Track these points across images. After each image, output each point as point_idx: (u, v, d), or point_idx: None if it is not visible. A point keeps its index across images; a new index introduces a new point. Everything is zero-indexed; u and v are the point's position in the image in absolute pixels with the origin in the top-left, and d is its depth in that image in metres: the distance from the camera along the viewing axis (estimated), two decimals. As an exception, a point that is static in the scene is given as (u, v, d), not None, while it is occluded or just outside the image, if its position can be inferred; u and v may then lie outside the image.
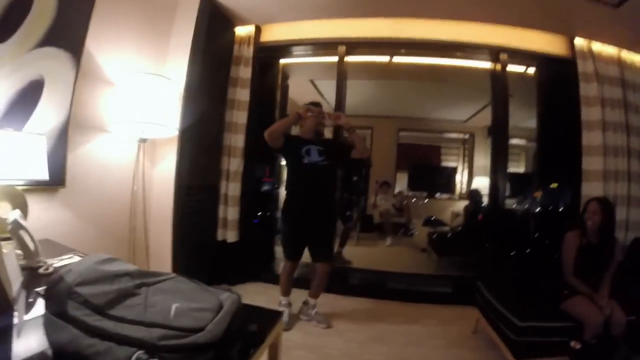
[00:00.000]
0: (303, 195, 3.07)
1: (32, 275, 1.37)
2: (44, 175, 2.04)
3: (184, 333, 0.91)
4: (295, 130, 3.56)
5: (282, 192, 5.55)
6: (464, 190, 8.66)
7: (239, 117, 4.03)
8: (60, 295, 0.90)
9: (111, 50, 2.91)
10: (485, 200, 5.45)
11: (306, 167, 3.03)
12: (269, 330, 1.32)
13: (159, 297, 1.02)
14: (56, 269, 1.07)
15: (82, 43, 2.61)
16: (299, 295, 3.31)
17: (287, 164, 3.22)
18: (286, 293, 3.25)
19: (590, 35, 3.83)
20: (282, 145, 3.02)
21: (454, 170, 8.95)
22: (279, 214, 5.33)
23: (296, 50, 4.42)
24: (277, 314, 1.48)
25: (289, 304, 3.25)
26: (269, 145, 3.00)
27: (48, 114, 2.41)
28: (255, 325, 1.21)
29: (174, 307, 0.97)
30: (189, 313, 0.97)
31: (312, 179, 3.05)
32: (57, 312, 0.89)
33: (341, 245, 5.21)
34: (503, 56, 4.07)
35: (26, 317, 1.07)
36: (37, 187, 2.30)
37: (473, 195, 6.08)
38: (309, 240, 3.13)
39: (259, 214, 4.76)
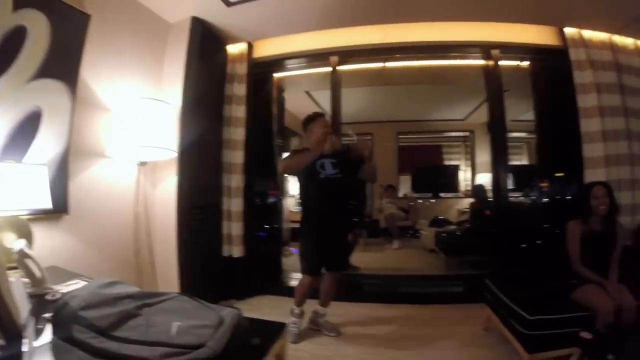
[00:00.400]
0: (322, 210, 3.01)
1: (40, 302, 1.40)
2: (47, 203, 2.08)
3: (186, 350, 0.95)
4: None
5: (287, 204, 5.61)
6: (468, 188, 8.64)
7: (237, 133, 4.07)
8: (66, 320, 0.93)
9: (106, 77, 2.97)
10: (490, 195, 5.42)
11: (322, 181, 2.98)
12: (272, 343, 1.34)
13: (160, 316, 1.05)
14: (62, 295, 1.10)
15: (77, 72, 2.67)
16: (307, 306, 3.24)
17: (302, 180, 3.15)
18: (300, 303, 3.13)
19: (580, 24, 3.84)
20: (297, 171, 3.08)
21: (456, 169, 8.93)
22: (285, 226, 5.41)
23: (289, 63, 4.46)
24: (281, 326, 1.49)
25: (302, 313, 3.13)
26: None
27: (48, 143, 2.46)
28: (258, 338, 1.24)
29: (175, 325, 1.01)
30: (190, 330, 1.01)
31: (329, 192, 3.00)
32: (63, 336, 0.93)
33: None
34: (495, 52, 4.10)
35: (36, 344, 1.09)
36: (41, 215, 2.33)
37: (477, 191, 6.06)
38: (329, 253, 3.04)
39: (266, 227, 4.78)
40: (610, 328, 2.04)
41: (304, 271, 3.06)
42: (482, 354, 2.78)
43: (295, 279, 4.31)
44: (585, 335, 1.98)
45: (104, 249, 2.90)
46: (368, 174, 3.09)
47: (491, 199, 4.69)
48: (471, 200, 6.60)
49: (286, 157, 3.05)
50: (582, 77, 3.76)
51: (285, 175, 3.15)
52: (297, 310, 3.11)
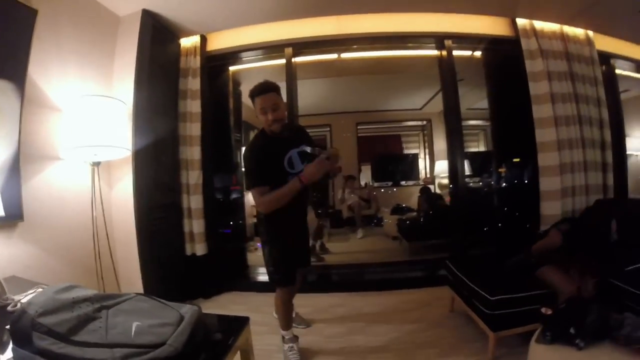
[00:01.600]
0: (290, 213, 2.49)
1: (1, 314, 1.37)
2: (-1, 211, 2.01)
3: (146, 350, 0.95)
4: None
5: (249, 199, 5.58)
6: (428, 175, 8.83)
7: (193, 129, 4.01)
8: (25, 329, 0.92)
9: (55, 75, 2.86)
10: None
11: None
12: (236, 337, 1.35)
13: (119, 318, 1.05)
14: (23, 304, 1.08)
15: (25, 70, 2.56)
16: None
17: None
18: (289, 325, 2.72)
19: (531, 14, 4.00)
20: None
21: (415, 157, 9.09)
22: (248, 221, 5.39)
23: (244, 56, 4.43)
24: (244, 320, 1.50)
25: (295, 338, 2.73)
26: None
27: (-4, 147, 2.36)
28: (219, 334, 1.25)
29: (134, 325, 1.01)
30: (149, 330, 1.01)
31: (298, 193, 2.38)
32: (24, 345, 0.91)
33: (320, 238, 5.46)
34: (448, 42, 4.20)
35: (3, 357, 1.08)
36: (-5, 224, 2.25)
37: (424, 192, 6.38)
38: (297, 254, 2.68)
39: (230, 223, 4.76)
40: (569, 302, 2.14)
41: (278, 284, 2.60)
42: (449, 334, 2.89)
43: (261, 273, 4.33)
44: (546, 310, 2.07)
45: (63, 255, 2.81)
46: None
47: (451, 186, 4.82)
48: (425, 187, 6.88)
49: (262, 194, 2.30)
50: (533, 65, 3.92)
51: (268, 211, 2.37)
52: (288, 336, 2.70)
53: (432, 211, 5.87)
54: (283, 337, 2.72)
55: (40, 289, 1.66)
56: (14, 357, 0.94)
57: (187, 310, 1.14)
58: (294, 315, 3.01)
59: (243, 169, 2.61)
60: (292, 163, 2.43)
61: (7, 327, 1.17)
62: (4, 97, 2.42)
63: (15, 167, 2.46)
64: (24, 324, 0.93)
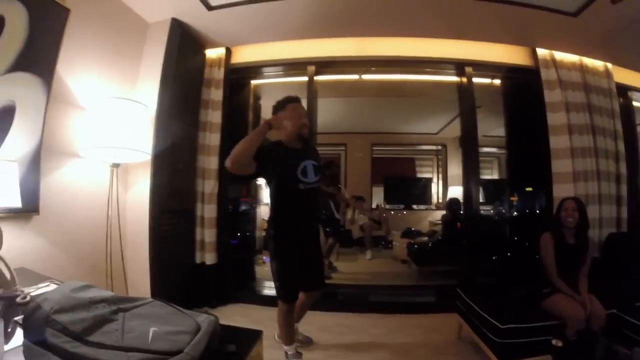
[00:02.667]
0: (299, 227, 2.52)
1: (9, 305, 1.36)
2: (16, 202, 2.03)
3: (162, 357, 0.93)
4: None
5: (260, 212, 5.59)
6: (440, 200, 8.78)
7: (212, 139, 4.04)
8: (38, 324, 0.90)
9: (82, 74, 2.91)
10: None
11: (302, 193, 2.44)
12: (248, 350, 1.33)
13: (136, 322, 1.03)
14: (33, 298, 1.07)
15: (53, 68, 2.61)
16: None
17: (274, 188, 2.52)
18: (291, 340, 2.72)
19: (551, 45, 4.01)
20: (256, 168, 2.35)
21: (429, 181, 9.07)
22: (257, 234, 5.38)
23: (267, 71, 4.47)
24: (257, 333, 1.48)
25: (299, 355, 2.73)
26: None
27: (20, 140, 2.39)
28: (234, 345, 1.23)
29: (151, 331, 0.99)
30: (166, 336, 0.99)
31: (308, 205, 2.51)
32: (36, 340, 0.90)
33: (326, 257, 5.31)
34: (468, 69, 4.21)
35: (7, 347, 1.06)
36: (10, 214, 2.27)
37: (451, 204, 6.17)
38: (305, 273, 2.63)
39: (238, 234, 4.75)
40: (580, 335, 2.10)
41: (281, 298, 2.59)
42: (455, 362, 2.82)
43: (267, 287, 4.30)
44: (556, 342, 2.04)
45: (74, 252, 2.82)
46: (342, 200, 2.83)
47: (462, 212, 4.78)
48: (443, 212, 6.68)
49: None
50: (551, 96, 3.92)
51: (236, 171, 2.26)
52: (290, 351, 2.70)
53: (445, 236, 5.79)
54: (286, 354, 2.70)
55: (52, 284, 1.65)
56: (24, 351, 0.92)
57: (204, 319, 1.12)
58: (300, 337, 3.03)
59: None
60: (305, 172, 2.46)
61: (15, 318, 1.16)
62: (31, 92, 2.47)
63: (36, 160, 2.50)
64: (38, 319, 0.91)
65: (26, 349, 0.92)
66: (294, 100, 2.55)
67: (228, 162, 2.25)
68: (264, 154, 2.36)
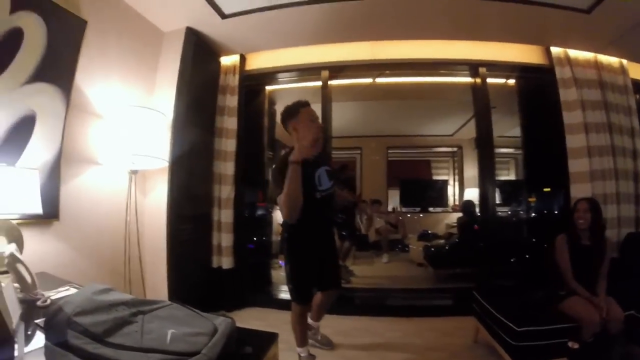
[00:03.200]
0: (314, 231, 2.52)
1: (30, 308, 1.39)
2: (37, 209, 2.07)
3: (180, 357, 0.95)
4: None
5: (276, 217, 5.60)
6: (456, 202, 8.72)
7: (228, 145, 4.08)
8: (60, 325, 0.93)
9: (100, 84, 2.98)
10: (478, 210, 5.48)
11: (318, 201, 2.43)
12: (265, 352, 1.34)
13: (155, 324, 1.05)
14: (54, 301, 1.10)
15: (72, 78, 2.69)
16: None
17: None
18: (304, 342, 2.72)
19: (565, 43, 3.96)
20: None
21: (445, 183, 9.00)
22: (274, 238, 5.40)
23: (281, 76, 4.51)
24: (273, 336, 1.49)
25: (312, 357, 2.73)
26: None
27: (40, 148, 2.46)
28: (250, 347, 1.24)
29: (169, 332, 1.01)
30: (184, 338, 1.01)
31: (324, 211, 2.53)
32: (57, 341, 0.92)
33: (343, 260, 5.35)
34: (482, 70, 4.18)
35: (26, 349, 1.09)
36: (32, 220, 2.33)
37: (466, 206, 6.11)
38: (320, 273, 2.61)
39: (254, 239, 4.77)
40: (596, 338, 2.07)
41: (294, 299, 2.61)
42: (471, 366, 2.79)
43: (283, 291, 4.31)
44: (573, 345, 2.01)
45: (93, 257, 2.88)
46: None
47: (479, 214, 4.74)
48: (459, 214, 6.63)
49: (280, 194, 2.26)
50: (567, 94, 3.87)
51: (292, 213, 2.25)
52: (304, 353, 2.70)
53: (461, 239, 5.74)
54: (299, 356, 2.70)
55: (72, 288, 1.69)
56: (45, 353, 0.94)
57: (221, 321, 1.14)
58: (319, 337, 3.06)
59: (271, 179, 2.58)
60: (320, 180, 2.45)
61: (35, 321, 1.19)
62: (51, 101, 2.54)
63: (56, 168, 2.57)
64: (60, 321, 0.93)
65: (47, 350, 0.94)
66: (306, 104, 2.47)
67: (287, 219, 2.33)
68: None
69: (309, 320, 2.96)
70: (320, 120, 2.50)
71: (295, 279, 2.56)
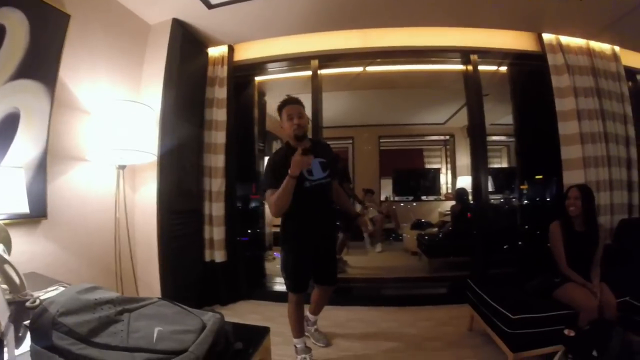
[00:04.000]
0: (307, 220, 2.58)
1: (20, 309, 1.37)
2: (24, 208, 2.05)
3: (167, 356, 0.94)
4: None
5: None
6: (449, 191, 8.74)
7: (218, 137, 4.05)
8: (44, 327, 0.91)
9: (85, 79, 2.93)
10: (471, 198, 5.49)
11: (309, 190, 2.52)
12: (256, 347, 1.33)
13: (141, 322, 1.03)
14: (42, 302, 1.08)
15: (56, 73, 2.64)
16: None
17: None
18: (300, 333, 2.77)
19: (557, 30, 3.95)
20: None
21: (437, 172, 9.01)
22: (267, 230, 5.39)
23: (270, 67, 4.46)
24: (264, 330, 1.49)
25: (308, 349, 2.79)
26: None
27: (25, 146, 2.42)
28: (240, 343, 1.23)
29: (156, 331, 0.99)
30: (171, 336, 1.00)
31: (317, 201, 2.57)
32: (42, 343, 0.90)
33: (338, 253, 5.28)
34: (474, 57, 4.17)
35: (17, 352, 1.07)
36: (19, 220, 2.29)
37: (459, 195, 6.12)
38: (316, 266, 2.71)
39: (248, 231, 4.76)
40: (593, 324, 2.08)
41: (289, 289, 2.71)
42: (467, 354, 2.81)
43: (278, 283, 4.31)
44: (569, 332, 2.02)
45: (84, 255, 2.85)
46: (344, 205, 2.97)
47: (472, 202, 4.75)
48: (452, 203, 6.65)
49: (271, 194, 2.46)
50: (559, 81, 3.86)
51: (278, 213, 2.51)
52: (299, 345, 2.76)
53: (454, 227, 5.75)
54: (295, 347, 2.76)
55: (61, 288, 1.67)
56: (31, 354, 0.93)
57: (209, 317, 1.12)
58: (313, 330, 3.07)
59: (264, 173, 2.74)
60: (310, 170, 2.54)
61: (25, 322, 1.17)
62: (35, 98, 2.49)
63: (42, 166, 2.53)
64: (44, 322, 0.92)
65: (33, 352, 0.92)
66: (288, 102, 2.64)
67: (272, 209, 2.51)
68: (276, 172, 2.48)
69: (307, 313, 3.02)
70: (300, 116, 2.58)
71: (288, 268, 2.67)
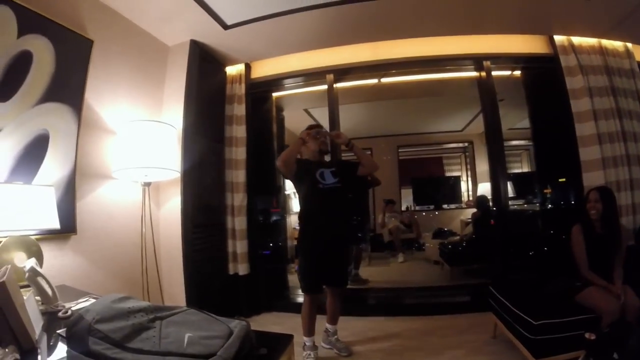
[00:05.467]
0: (321, 223, 2.89)
1: (52, 319, 1.44)
2: (55, 224, 2.13)
3: (197, 359, 0.98)
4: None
5: (291, 222, 5.64)
6: (470, 198, 8.67)
7: (238, 153, 4.14)
8: (81, 333, 0.96)
9: (109, 100, 3.05)
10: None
11: (322, 191, 2.88)
12: (280, 353, 1.36)
13: (172, 328, 1.08)
14: (74, 312, 1.14)
15: (82, 96, 2.76)
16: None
17: (301, 191, 3.02)
18: (310, 332, 2.94)
19: (567, 30, 3.92)
20: (295, 170, 2.91)
21: (457, 179, 8.96)
22: (289, 243, 5.43)
23: (287, 82, 4.54)
24: (288, 338, 1.52)
25: (315, 347, 2.96)
26: (281, 174, 3.15)
27: (55, 165, 2.53)
28: (265, 349, 1.26)
29: (186, 336, 1.04)
30: (200, 341, 1.04)
31: (329, 203, 2.89)
32: (79, 348, 0.95)
33: (356, 267, 5.29)
34: (487, 63, 4.17)
35: (49, 359, 1.13)
36: (50, 235, 2.39)
37: (480, 202, 6.06)
38: (328, 268, 2.91)
39: (270, 244, 4.80)
40: (614, 327, 2.06)
41: (303, 289, 2.98)
42: (490, 361, 2.77)
43: (300, 295, 4.33)
44: (590, 336, 2.00)
45: (111, 268, 2.94)
46: (361, 160, 3.04)
47: (494, 208, 4.70)
48: (473, 210, 6.59)
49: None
50: (573, 82, 3.83)
51: (285, 173, 2.97)
52: (308, 343, 2.93)
53: (476, 235, 5.69)
54: (304, 345, 2.92)
55: (91, 299, 1.73)
56: (67, 359, 0.98)
57: (236, 324, 1.17)
58: (334, 340, 3.12)
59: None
60: (323, 176, 2.92)
61: (57, 331, 1.23)
62: (63, 120, 2.61)
63: (71, 184, 2.64)
64: (81, 329, 0.96)
65: (69, 357, 0.97)
66: (315, 126, 3.16)
67: (279, 162, 2.86)
68: (301, 162, 2.99)
69: (326, 324, 3.15)
70: (325, 138, 3.12)
71: (302, 269, 2.97)
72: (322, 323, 3.12)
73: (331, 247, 2.90)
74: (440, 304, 4.01)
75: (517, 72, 4.50)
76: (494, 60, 4.19)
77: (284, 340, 1.49)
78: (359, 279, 5.24)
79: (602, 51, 3.93)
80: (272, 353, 1.31)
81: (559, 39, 3.94)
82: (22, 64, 2.35)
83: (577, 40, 3.93)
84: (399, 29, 3.86)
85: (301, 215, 3.03)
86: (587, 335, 1.96)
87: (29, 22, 2.37)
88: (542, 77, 4.23)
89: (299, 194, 3.09)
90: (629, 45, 4.01)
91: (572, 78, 3.84)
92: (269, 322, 3.83)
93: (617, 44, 4.00)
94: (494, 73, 4.22)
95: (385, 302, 4.24)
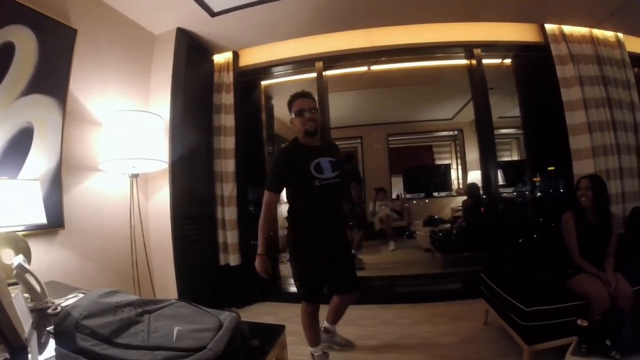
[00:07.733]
0: (318, 224, 2.43)
1: (42, 316, 1.42)
2: (42, 219, 2.10)
3: (186, 353, 0.97)
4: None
5: (281, 211, 5.60)
6: (460, 186, 8.72)
7: (227, 142, 4.10)
8: (68, 330, 0.95)
9: (95, 91, 3.00)
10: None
11: (319, 190, 2.35)
12: (272, 345, 1.36)
13: (161, 322, 1.07)
14: (63, 308, 1.12)
15: (66, 87, 2.71)
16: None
17: (290, 187, 2.49)
18: (316, 342, 2.61)
19: (559, 19, 3.93)
20: (288, 175, 2.42)
21: (447, 168, 9.00)
22: (280, 233, 5.41)
23: (276, 70, 4.49)
24: (280, 329, 1.51)
25: (325, 355, 2.65)
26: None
27: (40, 159, 2.48)
28: (257, 340, 1.26)
29: (175, 330, 1.03)
30: (190, 334, 1.03)
31: (327, 202, 2.41)
32: (67, 345, 0.94)
33: (357, 249, 5.37)
34: (477, 51, 4.15)
35: (40, 357, 1.11)
36: (37, 231, 2.35)
37: (471, 190, 6.09)
38: (331, 274, 2.53)
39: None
40: (606, 314, 2.08)
41: (303, 298, 2.51)
42: (483, 348, 2.79)
43: (292, 284, 4.33)
44: (582, 322, 2.02)
45: (101, 262, 2.91)
46: (356, 195, 2.81)
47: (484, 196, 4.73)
48: (464, 198, 6.62)
49: (269, 200, 2.50)
50: (564, 71, 3.85)
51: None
52: (316, 353, 2.61)
53: (467, 222, 5.73)
54: (312, 355, 2.62)
55: (80, 294, 1.71)
56: (56, 357, 0.96)
57: (226, 316, 1.16)
58: (337, 339, 2.95)
59: (268, 172, 2.66)
60: (320, 168, 2.37)
61: (47, 328, 1.22)
62: (47, 112, 2.56)
63: (57, 177, 2.59)
64: (68, 325, 0.95)
65: (58, 356, 0.96)
66: (299, 96, 2.47)
67: (261, 214, 2.54)
68: (292, 154, 2.45)
69: (325, 324, 2.89)
70: (312, 111, 2.43)
71: (302, 277, 2.49)
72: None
73: (334, 251, 2.50)
74: (433, 292, 4.04)
75: (508, 61, 4.51)
76: (485, 48, 4.18)
77: (276, 331, 1.49)
78: (358, 260, 5.23)
79: (593, 41, 3.95)
80: (264, 344, 1.30)
81: (550, 27, 3.95)
82: (4, 55, 2.29)
83: (568, 29, 3.94)
84: (390, 15, 3.82)
85: (292, 215, 2.54)
86: (579, 321, 1.98)
87: (10, 13, 2.31)
88: (533, 65, 4.25)
89: (287, 189, 2.53)
90: (620, 35, 4.03)
91: (562, 67, 3.85)
92: (263, 313, 3.84)
93: (608, 34, 4.02)
94: (484, 61, 4.21)
95: (378, 291, 4.25)
